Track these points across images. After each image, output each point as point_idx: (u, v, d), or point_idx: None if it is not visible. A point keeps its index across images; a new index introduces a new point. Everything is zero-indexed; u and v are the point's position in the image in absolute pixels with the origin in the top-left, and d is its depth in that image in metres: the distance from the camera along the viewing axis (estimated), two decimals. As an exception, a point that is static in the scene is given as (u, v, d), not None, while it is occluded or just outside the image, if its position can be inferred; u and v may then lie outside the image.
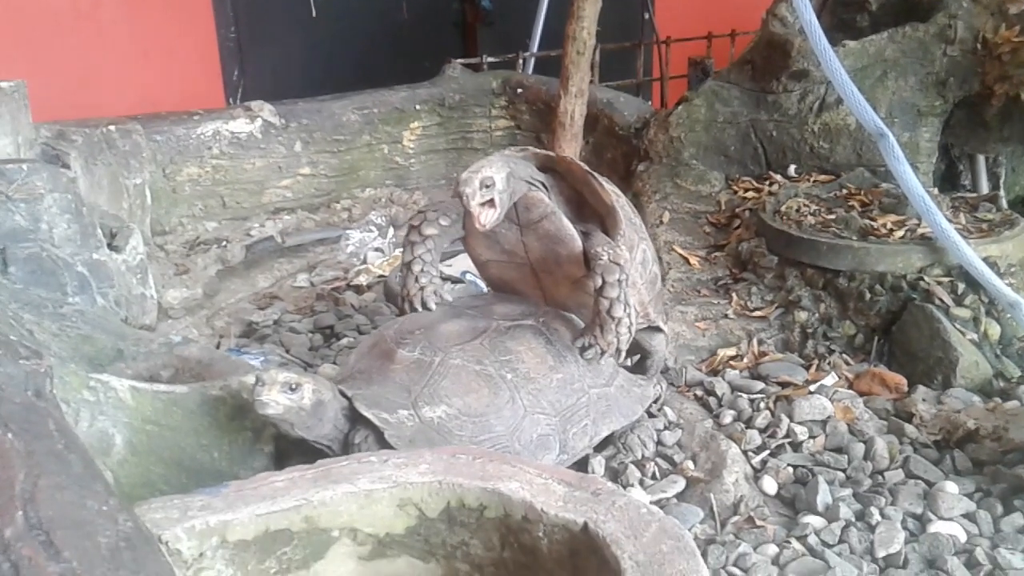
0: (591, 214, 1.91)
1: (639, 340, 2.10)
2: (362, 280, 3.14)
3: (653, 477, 1.94)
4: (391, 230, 3.52)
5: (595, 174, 1.85)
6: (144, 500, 1.32)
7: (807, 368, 2.37)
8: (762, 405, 2.18)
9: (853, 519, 1.79)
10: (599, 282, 1.78)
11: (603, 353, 1.84)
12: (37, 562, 0.83)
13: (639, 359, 2.18)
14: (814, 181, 3.09)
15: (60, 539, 0.87)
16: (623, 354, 1.84)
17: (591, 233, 1.85)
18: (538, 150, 1.91)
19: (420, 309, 1.93)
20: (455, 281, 2.87)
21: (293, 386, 1.60)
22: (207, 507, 1.30)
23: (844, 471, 1.96)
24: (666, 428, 2.09)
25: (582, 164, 1.88)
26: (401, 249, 3.28)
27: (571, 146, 3.28)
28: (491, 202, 1.68)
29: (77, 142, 2.76)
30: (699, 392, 2.30)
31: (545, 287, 2.00)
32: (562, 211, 1.85)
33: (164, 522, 1.26)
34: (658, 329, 2.12)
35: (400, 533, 1.40)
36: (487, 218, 1.69)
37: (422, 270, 1.93)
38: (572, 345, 1.89)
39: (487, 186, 1.66)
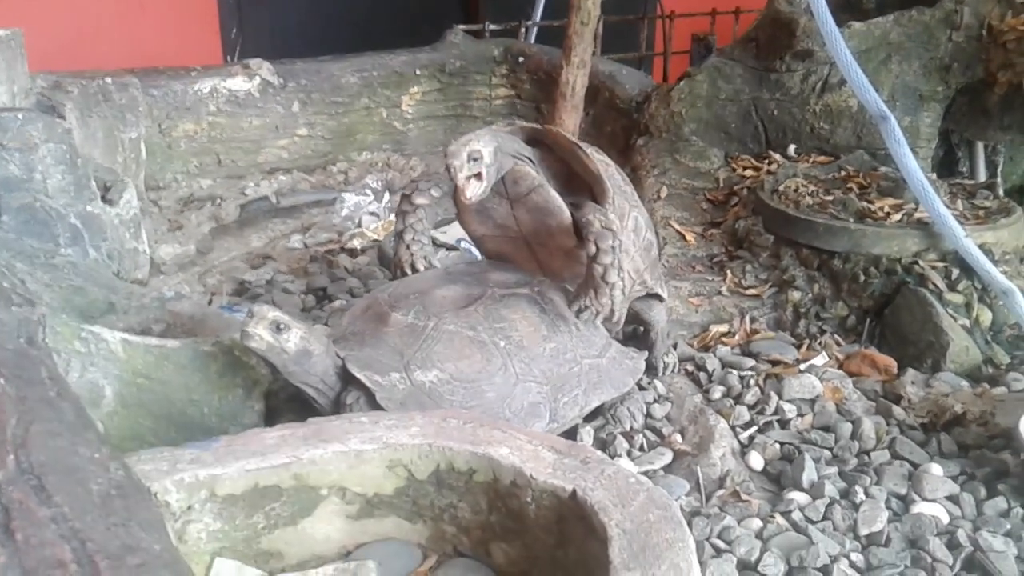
0: (580, 185, 1.90)
1: (638, 311, 2.10)
2: (356, 243, 3.13)
3: (641, 449, 1.94)
4: (387, 195, 3.50)
5: (581, 145, 1.85)
6: (133, 452, 1.33)
7: (798, 347, 2.38)
8: (752, 382, 2.19)
9: (837, 497, 1.80)
10: (593, 249, 1.78)
11: (598, 314, 1.85)
12: (28, 506, 0.83)
13: (641, 332, 2.18)
14: (813, 162, 3.08)
15: (51, 484, 0.87)
16: (617, 316, 1.84)
17: (580, 203, 1.85)
18: (525, 124, 1.91)
19: (409, 273, 1.97)
20: (450, 248, 2.86)
21: (281, 326, 1.60)
22: (197, 461, 1.31)
23: (831, 450, 1.97)
24: (656, 401, 2.10)
25: (568, 135, 1.88)
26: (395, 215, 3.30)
27: (571, 117, 3.26)
28: (478, 175, 1.68)
29: (73, 93, 2.72)
30: (689, 367, 2.30)
31: (540, 259, 2.00)
32: (551, 183, 1.85)
33: (153, 474, 1.26)
34: (657, 297, 2.12)
35: (389, 494, 1.41)
36: (473, 191, 1.69)
37: (413, 238, 1.97)
38: (565, 314, 1.89)
39: (475, 159, 1.66)
